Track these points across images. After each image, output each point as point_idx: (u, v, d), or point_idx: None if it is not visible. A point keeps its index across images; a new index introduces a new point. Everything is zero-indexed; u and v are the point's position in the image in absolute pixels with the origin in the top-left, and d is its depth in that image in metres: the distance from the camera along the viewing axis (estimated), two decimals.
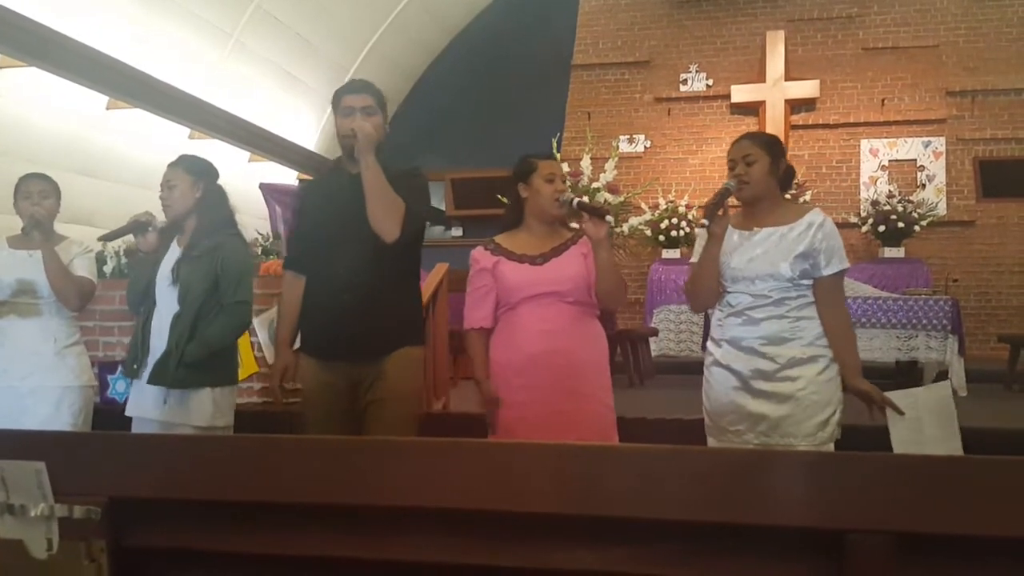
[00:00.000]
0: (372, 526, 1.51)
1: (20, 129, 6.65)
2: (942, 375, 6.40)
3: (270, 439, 1.60)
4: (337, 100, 2.96)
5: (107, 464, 1.60)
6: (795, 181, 3.03)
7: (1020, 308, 9.29)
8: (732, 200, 2.85)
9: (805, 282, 2.77)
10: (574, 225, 3.13)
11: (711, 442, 2.92)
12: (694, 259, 2.96)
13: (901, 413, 2.67)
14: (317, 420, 2.94)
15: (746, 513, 1.39)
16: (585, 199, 2.91)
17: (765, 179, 2.81)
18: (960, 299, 6.87)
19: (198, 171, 3.25)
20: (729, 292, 2.84)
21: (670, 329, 8.98)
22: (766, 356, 2.75)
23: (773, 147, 2.85)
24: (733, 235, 2.84)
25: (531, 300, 2.93)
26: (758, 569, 1.42)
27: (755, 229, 2.82)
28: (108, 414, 3.34)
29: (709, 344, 2.96)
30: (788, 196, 3.11)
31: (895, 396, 2.70)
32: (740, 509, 1.39)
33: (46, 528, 1.55)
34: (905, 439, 2.64)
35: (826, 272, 2.76)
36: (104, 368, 4.72)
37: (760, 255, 2.78)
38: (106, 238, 3.32)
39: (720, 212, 2.79)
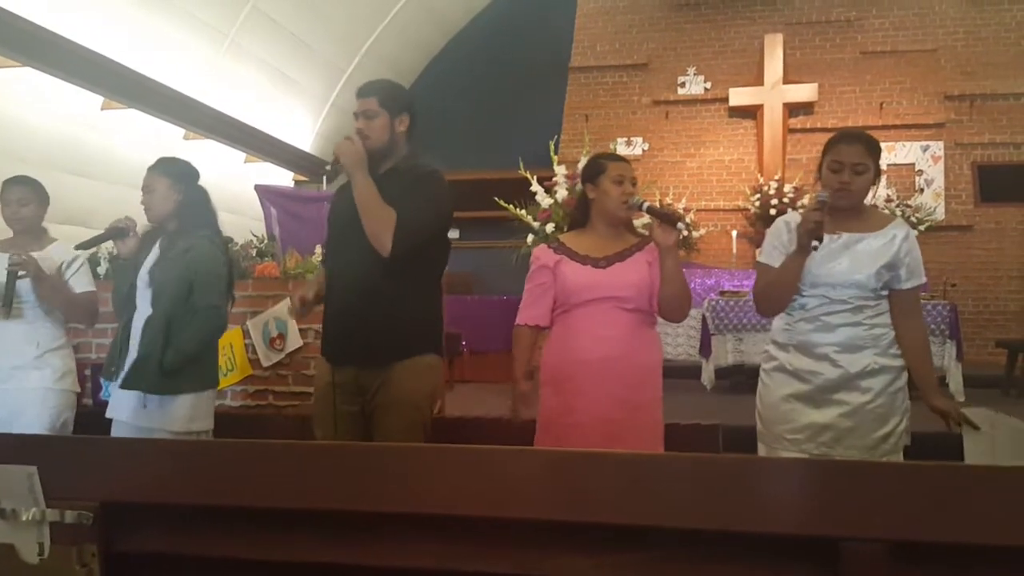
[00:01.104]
0: (365, 532, 1.51)
1: (15, 129, 6.64)
2: (940, 380, 6.42)
3: (263, 444, 1.59)
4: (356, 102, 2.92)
5: (99, 469, 1.59)
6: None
7: (1018, 313, 9.31)
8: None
9: (884, 292, 2.71)
10: (641, 231, 3.04)
11: (762, 449, 2.84)
12: (762, 258, 2.86)
13: (976, 428, 2.61)
14: (325, 422, 2.91)
15: (741, 520, 1.38)
16: (656, 204, 2.85)
17: (868, 190, 2.71)
18: (958, 304, 6.89)
19: (176, 174, 3.22)
20: (804, 296, 2.75)
21: (667, 333, 8.96)
22: (838, 364, 2.68)
23: (879, 156, 2.74)
24: None
25: (590, 304, 2.85)
26: None
27: (838, 234, 2.73)
28: (101, 416, 3.32)
29: (771, 348, 2.86)
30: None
31: (972, 412, 2.64)
32: (735, 516, 1.38)
33: (37, 533, 1.54)
34: (977, 454, 2.59)
35: (907, 285, 2.71)
36: (97, 370, 4.70)
37: (844, 262, 2.70)
38: (84, 246, 3.28)
39: (822, 229, 2.60)
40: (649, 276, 2.86)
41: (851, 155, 2.66)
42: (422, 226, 2.79)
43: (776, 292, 2.78)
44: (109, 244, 4.58)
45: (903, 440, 2.74)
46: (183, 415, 3.09)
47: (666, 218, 2.77)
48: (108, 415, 3.19)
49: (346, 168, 2.75)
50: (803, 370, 2.74)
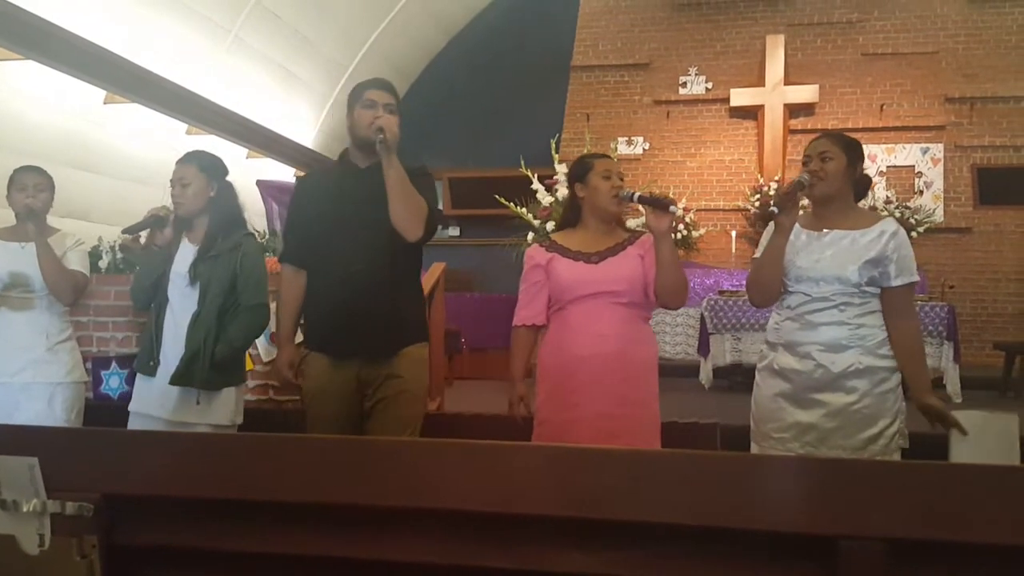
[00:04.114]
0: (366, 526, 1.51)
1: (16, 123, 6.62)
2: (937, 381, 6.43)
3: (265, 437, 1.60)
4: (359, 92, 2.93)
5: (100, 460, 1.59)
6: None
7: (1015, 315, 9.31)
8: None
9: (871, 289, 2.71)
10: (630, 225, 3.05)
11: (753, 448, 2.85)
12: (758, 254, 2.90)
13: (964, 433, 2.59)
14: (321, 418, 2.92)
15: (739, 518, 1.39)
16: (646, 192, 2.88)
17: (840, 178, 2.76)
18: (956, 306, 6.88)
19: (213, 169, 3.22)
20: (791, 293, 2.79)
21: (665, 332, 8.96)
22: (822, 364, 2.69)
23: (852, 149, 2.80)
24: (802, 235, 2.80)
25: (584, 300, 2.87)
26: (751, 574, 1.42)
27: (825, 231, 2.78)
28: (101, 410, 3.33)
29: (764, 347, 2.91)
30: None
31: (961, 416, 2.63)
32: (733, 514, 1.39)
33: (38, 524, 1.55)
34: (965, 458, 2.56)
35: (896, 283, 2.71)
36: (98, 364, 4.69)
37: (828, 257, 2.73)
38: (130, 231, 3.25)
39: (791, 204, 2.71)
40: (642, 269, 2.88)
41: (817, 147, 2.81)
42: (437, 214, 2.91)
43: (760, 277, 2.83)
44: (110, 238, 4.58)
45: (896, 442, 2.72)
46: (230, 408, 3.12)
47: (658, 204, 2.79)
48: (135, 409, 3.17)
49: (387, 144, 2.74)
50: (788, 369, 2.76)
